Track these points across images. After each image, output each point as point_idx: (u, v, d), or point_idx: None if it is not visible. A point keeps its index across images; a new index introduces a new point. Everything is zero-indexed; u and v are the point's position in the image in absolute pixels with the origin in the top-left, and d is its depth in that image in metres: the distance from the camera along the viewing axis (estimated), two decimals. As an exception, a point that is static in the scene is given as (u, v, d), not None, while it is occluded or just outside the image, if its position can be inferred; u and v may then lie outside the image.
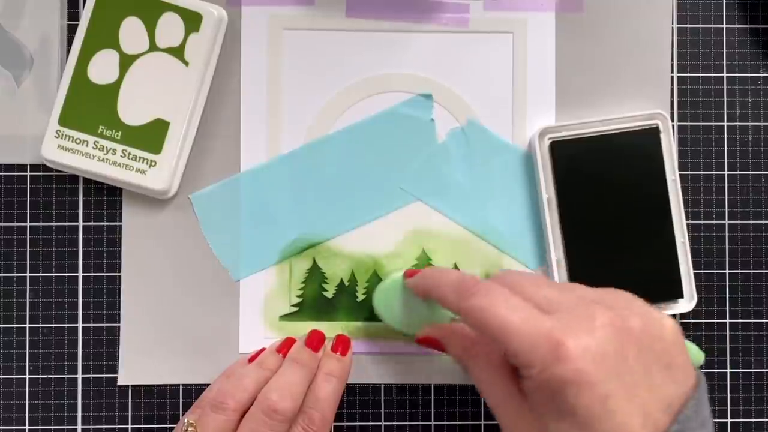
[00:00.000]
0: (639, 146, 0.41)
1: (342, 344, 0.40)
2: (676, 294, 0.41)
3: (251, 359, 0.40)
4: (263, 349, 0.41)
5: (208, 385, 0.41)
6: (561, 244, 0.41)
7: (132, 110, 0.40)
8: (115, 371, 0.42)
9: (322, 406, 0.37)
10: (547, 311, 0.31)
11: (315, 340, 0.40)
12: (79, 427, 0.42)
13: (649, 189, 0.41)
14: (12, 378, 0.42)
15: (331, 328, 0.42)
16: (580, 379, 0.28)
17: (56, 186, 0.42)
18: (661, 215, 0.41)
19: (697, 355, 0.41)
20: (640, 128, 0.41)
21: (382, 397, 0.42)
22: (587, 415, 0.29)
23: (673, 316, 0.42)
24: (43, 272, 0.42)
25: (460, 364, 0.36)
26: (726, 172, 0.43)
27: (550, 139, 0.41)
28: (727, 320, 0.43)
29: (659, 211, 0.41)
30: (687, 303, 0.41)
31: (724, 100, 0.43)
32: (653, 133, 0.41)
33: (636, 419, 0.29)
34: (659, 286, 0.41)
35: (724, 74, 0.43)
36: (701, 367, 0.42)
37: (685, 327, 0.42)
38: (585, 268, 0.40)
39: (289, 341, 0.40)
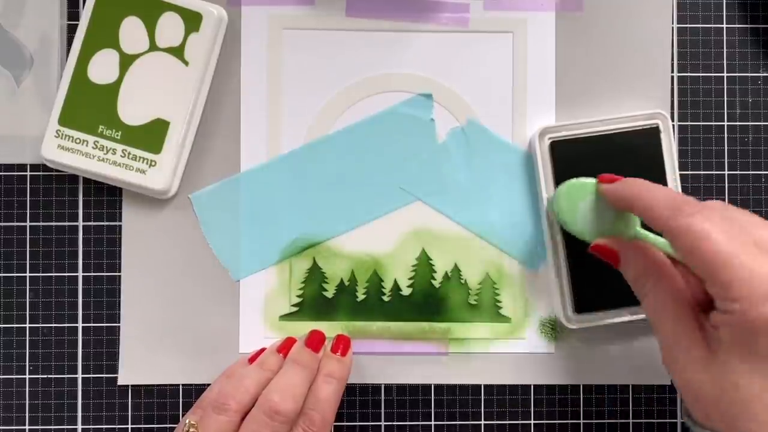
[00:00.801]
0: (639, 146, 0.41)
1: (342, 344, 0.40)
2: None
3: (251, 359, 0.40)
4: (263, 350, 0.41)
5: (208, 385, 0.41)
6: (562, 244, 0.41)
7: (132, 110, 0.40)
8: (115, 371, 0.42)
9: (322, 408, 0.37)
10: (763, 249, 0.30)
11: (315, 341, 0.40)
12: (79, 427, 0.42)
13: None
14: (12, 378, 0.42)
15: (331, 328, 0.42)
16: None
17: (56, 186, 0.42)
18: None
19: None
20: (640, 128, 0.41)
21: (382, 397, 0.42)
22: None
23: None
24: (43, 272, 0.42)
25: (634, 284, 0.35)
26: (726, 172, 0.43)
27: (550, 138, 0.41)
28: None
29: None
30: None
31: (724, 100, 0.43)
32: (653, 133, 0.41)
33: None
34: None
35: (724, 74, 0.43)
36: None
37: None
38: (586, 269, 0.40)
39: (289, 341, 0.40)
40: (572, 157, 0.41)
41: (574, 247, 0.40)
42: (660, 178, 0.41)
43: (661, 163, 0.41)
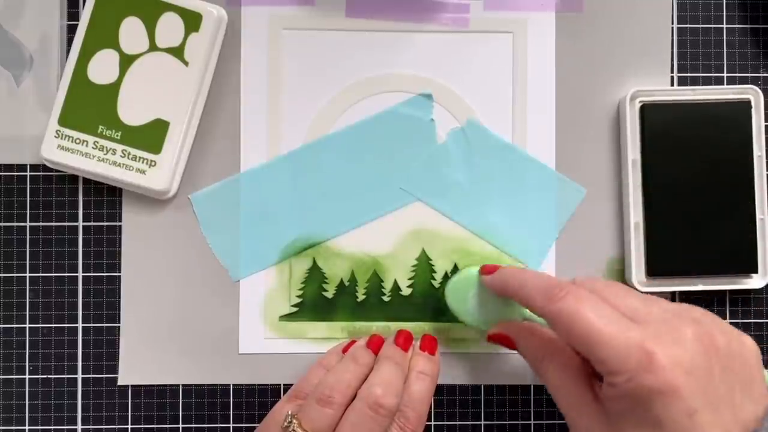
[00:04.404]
0: (728, 118, 0.41)
1: (429, 344, 0.40)
2: (751, 269, 0.41)
3: (344, 350, 0.39)
4: (353, 342, 0.40)
5: (208, 385, 0.41)
6: (641, 207, 0.41)
7: (132, 110, 0.40)
8: (115, 371, 0.42)
9: (416, 405, 0.37)
10: (635, 321, 0.31)
11: (404, 340, 0.39)
12: (79, 427, 0.42)
13: (735, 161, 0.41)
14: (12, 378, 0.42)
15: (330, 329, 0.42)
16: (670, 390, 0.29)
17: (56, 186, 0.42)
18: (744, 189, 0.41)
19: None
20: (731, 100, 0.41)
21: (382, 397, 0.42)
22: (673, 428, 0.29)
23: (745, 291, 0.42)
24: (43, 272, 0.42)
25: (532, 365, 0.36)
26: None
27: (641, 102, 0.41)
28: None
29: (742, 184, 0.41)
30: (761, 279, 0.41)
31: (724, 100, 0.43)
32: (744, 107, 0.41)
33: None
34: (734, 259, 0.41)
35: (724, 74, 0.43)
36: None
37: (757, 303, 0.43)
38: (662, 233, 0.41)
39: (376, 338, 0.39)
40: (661, 121, 0.41)
41: (653, 212, 0.41)
42: (746, 152, 0.41)
43: (749, 137, 0.41)
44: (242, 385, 0.42)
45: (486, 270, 0.39)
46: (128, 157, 0.40)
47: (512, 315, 0.39)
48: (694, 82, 0.43)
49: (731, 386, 0.30)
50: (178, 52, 0.40)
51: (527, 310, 0.38)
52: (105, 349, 0.42)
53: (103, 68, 0.40)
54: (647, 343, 0.29)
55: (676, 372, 0.29)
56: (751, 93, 0.41)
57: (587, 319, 0.31)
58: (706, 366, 0.30)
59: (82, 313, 0.42)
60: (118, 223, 0.42)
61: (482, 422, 0.42)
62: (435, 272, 0.42)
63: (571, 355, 0.35)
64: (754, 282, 0.42)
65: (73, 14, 0.42)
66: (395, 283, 0.42)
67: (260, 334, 0.42)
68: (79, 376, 0.42)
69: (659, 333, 0.30)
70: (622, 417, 0.31)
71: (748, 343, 0.31)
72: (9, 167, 0.42)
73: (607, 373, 0.30)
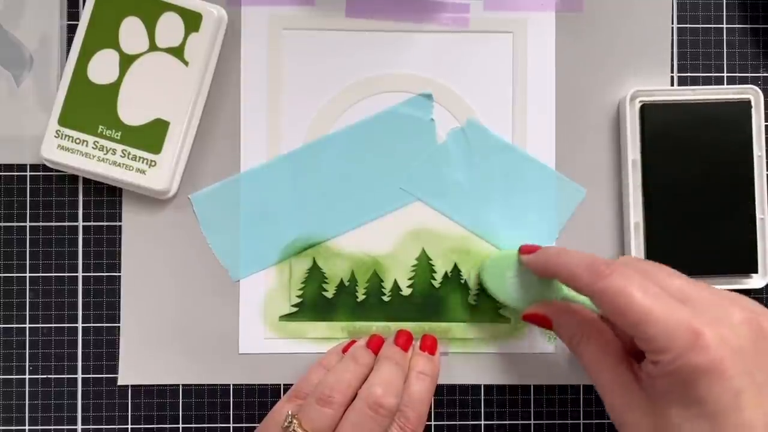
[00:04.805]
0: (728, 118, 0.41)
1: (429, 344, 0.40)
2: (751, 269, 0.41)
3: (344, 350, 0.39)
4: (353, 342, 0.40)
5: (208, 385, 0.41)
6: (641, 207, 0.41)
7: (132, 110, 0.40)
8: (115, 371, 0.42)
9: (416, 405, 0.37)
10: (682, 301, 0.31)
11: (404, 340, 0.39)
12: (79, 427, 0.42)
13: (735, 161, 0.41)
14: (12, 378, 0.42)
15: (330, 329, 0.42)
16: (716, 369, 0.29)
17: (56, 186, 0.42)
18: (744, 189, 0.41)
19: None
20: (731, 100, 0.41)
21: (382, 397, 0.42)
22: (717, 407, 0.29)
23: (745, 291, 0.42)
24: (43, 272, 0.42)
25: (569, 344, 0.36)
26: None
27: (641, 102, 0.41)
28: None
29: (742, 184, 0.41)
30: (760, 279, 0.41)
31: (724, 100, 0.43)
32: (744, 107, 0.41)
33: (761, 419, 0.29)
34: (734, 259, 0.41)
35: (724, 74, 0.43)
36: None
37: None
38: (662, 233, 0.41)
39: (376, 338, 0.40)
40: (661, 121, 0.41)
41: (653, 212, 0.41)
42: (746, 152, 0.41)
43: (749, 137, 0.41)
44: (242, 385, 0.42)
45: (526, 249, 0.38)
46: (128, 157, 0.40)
47: (551, 295, 0.39)
48: (694, 82, 0.43)
49: None
50: (178, 52, 0.40)
51: (566, 290, 0.38)
52: (105, 349, 0.42)
53: (103, 68, 0.40)
54: (695, 322, 0.29)
55: (723, 352, 0.29)
56: (751, 93, 0.41)
57: (634, 296, 0.30)
58: (752, 349, 0.30)
59: (82, 313, 0.42)
60: (118, 223, 0.42)
61: (482, 422, 0.42)
62: (435, 272, 0.42)
63: (609, 335, 0.35)
64: (754, 282, 0.42)
65: (73, 14, 0.42)
66: (395, 283, 0.42)
67: (260, 334, 0.42)
68: (79, 376, 0.42)
69: (707, 313, 0.30)
70: (664, 397, 0.31)
71: None
72: (9, 167, 0.42)
73: (652, 351, 0.30)
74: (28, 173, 0.42)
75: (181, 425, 0.42)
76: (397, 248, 0.42)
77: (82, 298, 0.42)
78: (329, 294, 0.42)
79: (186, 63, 0.40)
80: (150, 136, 0.40)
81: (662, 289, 0.31)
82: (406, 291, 0.42)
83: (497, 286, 0.40)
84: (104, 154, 0.40)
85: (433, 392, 0.38)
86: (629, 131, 0.41)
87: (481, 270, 0.41)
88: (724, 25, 0.43)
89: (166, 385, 0.42)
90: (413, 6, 0.42)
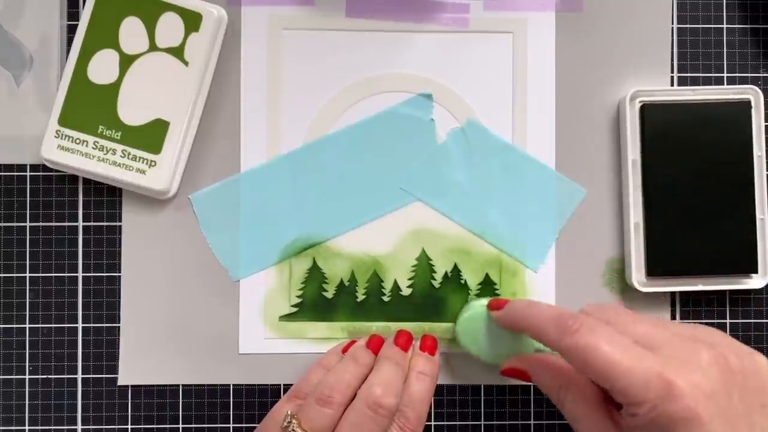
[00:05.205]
0: (728, 118, 0.41)
1: (429, 344, 0.40)
2: (751, 269, 0.41)
3: (344, 350, 0.39)
4: (353, 342, 0.40)
5: (208, 385, 0.41)
6: (641, 207, 0.41)
7: (132, 110, 0.40)
8: (115, 371, 0.42)
9: (416, 405, 0.37)
10: (650, 348, 0.31)
11: (404, 340, 0.39)
12: (79, 427, 0.42)
13: (735, 162, 0.41)
14: (12, 378, 0.42)
15: (331, 329, 0.42)
16: (692, 417, 0.29)
17: (56, 186, 0.42)
18: (744, 189, 0.41)
19: None
20: (731, 100, 0.41)
21: (382, 397, 0.42)
22: None
23: (745, 291, 0.42)
24: (43, 272, 0.42)
25: (550, 396, 0.36)
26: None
27: (641, 102, 0.41)
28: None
29: (742, 184, 0.41)
30: (761, 279, 0.41)
31: (724, 100, 0.43)
32: (744, 107, 0.41)
33: None
34: (734, 259, 0.41)
35: (724, 74, 0.43)
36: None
37: (757, 303, 0.43)
38: (662, 233, 0.41)
39: (376, 338, 0.39)
40: (661, 121, 0.41)
41: (653, 212, 0.41)
42: (746, 152, 0.41)
43: (748, 137, 0.41)
44: (242, 385, 0.42)
45: (494, 305, 0.39)
46: (128, 157, 0.40)
47: (524, 348, 0.39)
48: (694, 82, 0.43)
49: (748, 406, 0.31)
50: (178, 52, 0.40)
51: (537, 342, 0.37)
52: (105, 349, 0.42)
53: (103, 68, 0.40)
54: (666, 372, 0.30)
55: (697, 398, 0.29)
56: (751, 93, 0.41)
57: (603, 351, 0.31)
58: (723, 389, 0.30)
59: (82, 313, 0.42)
60: (118, 223, 0.42)
61: (482, 422, 0.42)
62: (435, 272, 0.42)
63: (587, 384, 0.35)
64: (754, 282, 0.42)
65: (73, 14, 0.42)
66: (395, 283, 0.42)
67: (260, 334, 0.42)
68: (79, 376, 0.42)
69: (676, 359, 0.31)
70: None
71: (761, 361, 0.32)
72: (9, 167, 0.42)
73: (627, 403, 0.31)
74: (28, 173, 0.42)
75: (181, 425, 0.42)
76: (397, 248, 0.42)
77: (82, 298, 0.42)
78: (329, 294, 0.42)
79: (186, 63, 0.40)
80: (150, 136, 0.40)
81: (628, 336, 0.32)
82: (406, 291, 0.42)
83: (472, 344, 0.40)
84: (104, 154, 0.40)
85: (433, 392, 0.38)
86: (629, 131, 0.41)
87: (456, 327, 0.41)
88: (724, 25, 0.43)
89: (166, 385, 0.42)
90: (413, 6, 0.42)
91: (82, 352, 0.42)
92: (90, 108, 0.40)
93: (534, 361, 0.38)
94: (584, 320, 0.32)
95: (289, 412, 0.35)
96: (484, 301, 0.40)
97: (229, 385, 0.42)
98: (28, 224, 0.42)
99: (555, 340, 0.33)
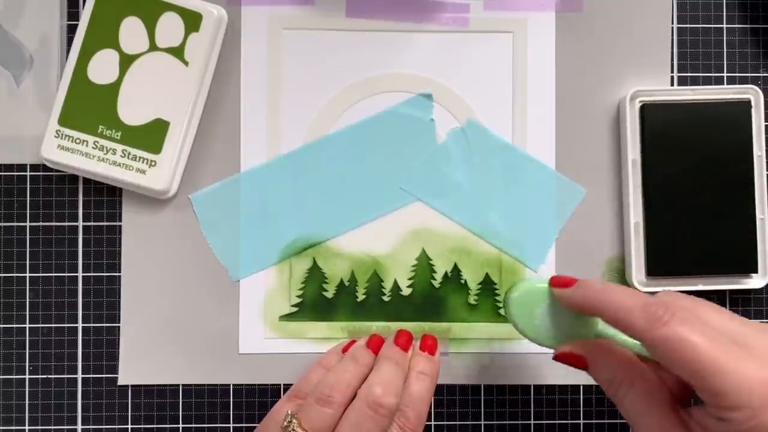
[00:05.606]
0: (728, 118, 0.41)
1: (429, 344, 0.39)
2: (751, 269, 0.41)
3: (344, 350, 0.39)
4: (353, 342, 0.40)
5: (208, 385, 0.41)
6: (641, 207, 0.41)
7: (132, 110, 0.40)
8: (115, 371, 0.42)
9: (416, 405, 0.36)
10: (744, 347, 0.29)
11: (404, 340, 0.39)
12: (79, 427, 0.42)
13: (735, 161, 0.41)
14: (12, 378, 0.42)
15: (330, 329, 0.42)
16: None
17: (56, 186, 0.42)
18: (744, 189, 0.41)
19: None
20: (731, 100, 0.41)
21: (382, 397, 0.42)
22: None
23: (745, 291, 0.42)
24: (43, 272, 0.42)
25: (607, 388, 0.34)
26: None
27: (641, 102, 0.41)
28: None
29: (742, 184, 0.41)
30: (761, 279, 0.41)
31: (724, 100, 0.43)
32: (744, 107, 0.41)
33: None
34: (734, 259, 0.41)
35: (724, 74, 0.43)
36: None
37: (757, 303, 0.43)
38: (662, 233, 0.41)
39: (376, 338, 0.39)
40: (661, 121, 0.41)
41: (653, 212, 0.41)
42: (746, 151, 0.41)
43: (749, 137, 0.41)
44: (242, 385, 0.42)
45: (560, 282, 0.35)
46: (128, 157, 0.40)
47: (585, 331, 0.35)
48: (694, 82, 0.43)
49: None
50: (178, 52, 0.40)
51: (600, 325, 0.35)
52: (105, 349, 0.42)
53: (103, 68, 0.40)
54: None
55: None
56: (751, 93, 0.41)
57: (702, 347, 0.28)
58: None
59: (82, 313, 0.42)
60: (118, 223, 0.42)
61: (482, 422, 0.42)
62: (435, 272, 0.42)
63: (654, 379, 0.32)
64: (754, 282, 0.42)
65: (73, 14, 0.42)
66: (395, 283, 0.42)
67: (260, 334, 0.42)
68: (79, 376, 0.42)
69: None
70: None
71: None
72: (9, 167, 0.42)
73: (720, 406, 0.28)
74: (28, 173, 0.42)
75: (181, 425, 0.42)
76: (397, 248, 0.42)
77: (82, 298, 0.42)
78: (329, 294, 0.42)
79: (186, 63, 0.40)
80: (150, 136, 0.40)
81: (724, 335, 0.29)
82: (406, 291, 0.42)
83: (525, 323, 0.36)
84: (104, 154, 0.40)
85: (433, 392, 0.38)
86: (629, 131, 0.41)
87: (506, 305, 0.37)
88: (724, 25, 0.43)
89: (166, 385, 0.42)
90: (413, 6, 0.42)
91: (82, 352, 0.42)
92: (90, 108, 0.40)
93: (595, 347, 0.34)
94: (675, 310, 0.29)
95: (289, 412, 0.35)
96: (536, 279, 0.37)
97: (229, 384, 0.42)
98: (28, 224, 0.42)
99: (643, 329, 0.30)
